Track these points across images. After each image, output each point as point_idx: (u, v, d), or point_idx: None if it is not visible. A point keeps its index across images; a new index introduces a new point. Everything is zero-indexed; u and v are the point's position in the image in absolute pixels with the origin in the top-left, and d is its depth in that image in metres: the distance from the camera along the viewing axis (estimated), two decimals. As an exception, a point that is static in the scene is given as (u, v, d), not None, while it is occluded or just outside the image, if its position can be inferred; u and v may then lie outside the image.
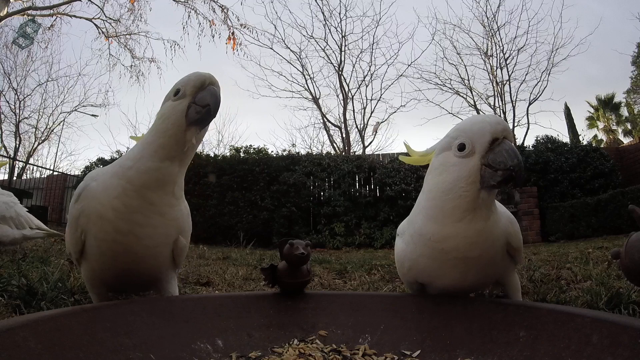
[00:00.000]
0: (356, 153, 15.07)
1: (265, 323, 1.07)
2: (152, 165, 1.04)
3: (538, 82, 15.56)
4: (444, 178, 0.99)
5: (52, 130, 20.53)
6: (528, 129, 15.46)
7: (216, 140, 20.84)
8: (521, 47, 15.54)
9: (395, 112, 17.46)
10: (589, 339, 0.70)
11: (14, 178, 16.24)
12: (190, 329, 0.99)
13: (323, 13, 16.97)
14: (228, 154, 9.53)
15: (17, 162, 18.45)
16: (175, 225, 1.15)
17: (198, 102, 1.05)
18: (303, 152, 10.06)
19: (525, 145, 10.06)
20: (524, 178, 0.95)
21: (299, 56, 16.58)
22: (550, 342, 0.76)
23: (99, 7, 12.13)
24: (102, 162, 10.41)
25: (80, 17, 12.30)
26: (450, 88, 16.37)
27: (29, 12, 11.16)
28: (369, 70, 16.69)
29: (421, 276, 1.11)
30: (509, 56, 15.68)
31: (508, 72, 15.71)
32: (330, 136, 16.89)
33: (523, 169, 0.93)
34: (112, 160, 10.24)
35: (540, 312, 0.85)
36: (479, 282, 1.12)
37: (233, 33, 12.58)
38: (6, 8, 10.10)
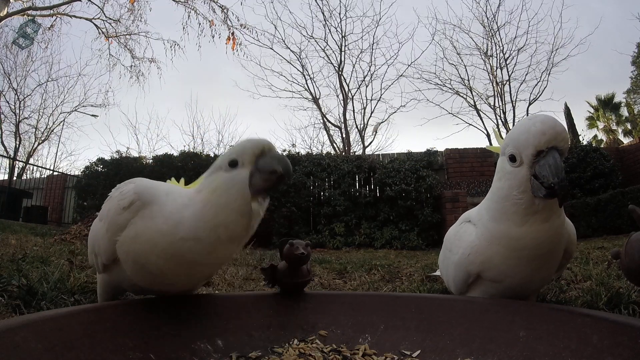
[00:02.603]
0: (356, 153, 15.07)
1: (265, 323, 1.07)
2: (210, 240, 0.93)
3: (538, 82, 15.60)
4: (502, 184, 1.03)
5: (52, 131, 20.57)
6: (528, 129, 15.47)
7: (216, 141, 20.88)
8: (521, 47, 15.57)
9: (395, 112, 17.43)
10: (589, 339, 0.70)
11: (14, 178, 16.24)
12: (190, 329, 0.99)
13: (323, 13, 16.99)
14: (228, 154, 9.52)
15: (17, 162, 18.46)
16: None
17: (261, 168, 0.93)
18: (303, 152, 10.04)
19: (525, 145, 10.04)
20: (565, 197, 0.94)
21: (299, 56, 16.60)
22: (550, 342, 0.76)
23: (99, 7, 12.14)
24: (102, 162, 10.40)
25: (80, 17, 12.31)
26: (450, 88, 16.39)
27: (29, 12, 11.16)
28: (369, 70, 16.70)
29: (492, 273, 1.10)
30: (509, 56, 15.71)
31: (508, 72, 15.74)
32: (330, 136, 16.90)
33: (566, 187, 0.92)
34: (112, 160, 10.25)
35: (540, 312, 0.85)
36: (543, 281, 1.15)
37: (233, 33, 12.58)
38: (6, 8, 10.10)
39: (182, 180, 1.21)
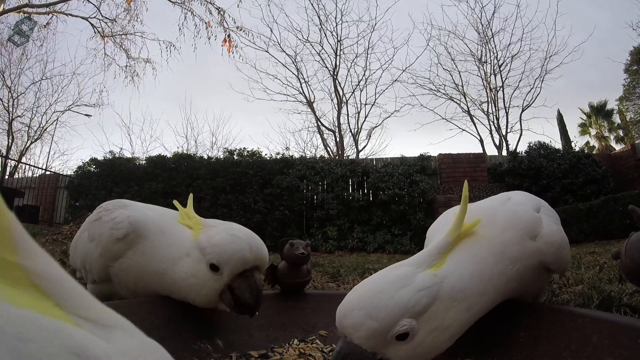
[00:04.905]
0: (350, 157, 15.08)
1: (265, 323, 1.07)
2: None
3: (531, 89, 15.79)
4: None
5: (45, 129, 20.37)
6: (521, 135, 15.66)
7: (210, 143, 20.84)
8: (515, 54, 15.76)
9: (389, 116, 17.45)
10: (589, 339, 0.71)
11: (6, 177, 16.06)
12: (190, 329, 0.98)
13: (319, 17, 16.91)
14: (221, 156, 9.50)
15: (9, 160, 18.26)
16: None
17: (236, 290, 0.92)
18: (297, 155, 10.05)
19: (518, 151, 10.15)
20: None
21: (295, 60, 16.61)
22: (550, 342, 0.77)
23: (95, 6, 12.05)
24: (94, 162, 10.32)
25: (77, 16, 12.20)
26: (444, 94, 16.52)
27: (25, 9, 11.08)
28: (364, 74, 16.74)
29: None
30: (503, 63, 15.87)
31: (502, 78, 15.91)
32: (324, 140, 16.91)
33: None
34: (105, 160, 10.15)
35: (540, 312, 0.85)
36: None
37: (229, 35, 12.56)
38: (2, 5, 10.03)
39: (191, 197, 1.17)
